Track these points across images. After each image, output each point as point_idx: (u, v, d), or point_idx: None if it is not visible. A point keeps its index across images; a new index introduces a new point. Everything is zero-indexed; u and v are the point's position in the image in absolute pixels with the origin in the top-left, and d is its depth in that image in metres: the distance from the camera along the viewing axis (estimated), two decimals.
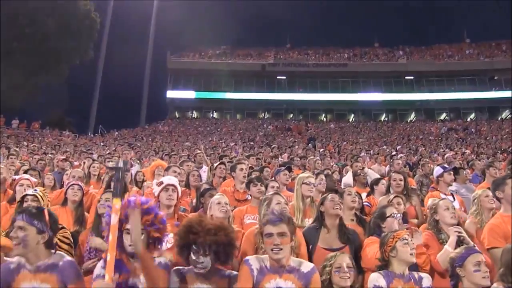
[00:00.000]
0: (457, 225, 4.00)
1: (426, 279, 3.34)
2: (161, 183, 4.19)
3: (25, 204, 4.16)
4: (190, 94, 47.32)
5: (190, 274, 3.00)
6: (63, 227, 3.97)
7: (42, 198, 4.32)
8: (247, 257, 3.13)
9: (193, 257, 2.89)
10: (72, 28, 36.17)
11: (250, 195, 5.27)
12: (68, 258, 3.06)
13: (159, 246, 3.03)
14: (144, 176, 7.99)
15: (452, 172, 6.20)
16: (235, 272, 3.09)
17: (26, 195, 4.32)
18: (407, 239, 3.32)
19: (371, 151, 18.57)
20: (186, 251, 2.94)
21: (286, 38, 56.66)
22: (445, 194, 5.80)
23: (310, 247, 3.91)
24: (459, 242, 3.81)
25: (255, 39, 76.08)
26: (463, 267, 3.17)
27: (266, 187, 5.32)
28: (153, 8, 49.38)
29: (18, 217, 2.91)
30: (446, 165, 6.58)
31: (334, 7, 75.01)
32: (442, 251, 3.77)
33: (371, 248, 3.76)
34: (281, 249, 2.92)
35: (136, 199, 2.89)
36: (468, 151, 17.95)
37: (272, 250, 2.93)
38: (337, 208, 4.06)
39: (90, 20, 38.53)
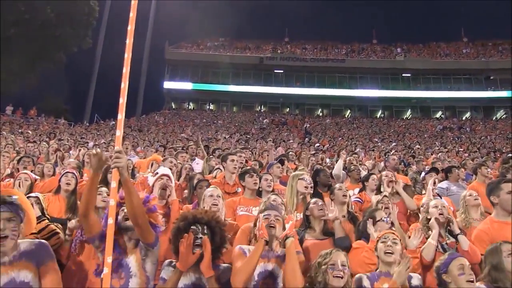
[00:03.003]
0: (447, 223, 4.03)
1: (416, 279, 3.31)
2: (156, 173, 4.32)
3: None
4: (187, 86, 47.19)
5: None
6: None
7: (42, 202, 4.32)
8: (240, 245, 3.32)
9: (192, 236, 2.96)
10: (70, 15, 35.85)
11: (244, 187, 5.22)
12: (38, 240, 3.01)
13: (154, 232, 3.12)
14: (133, 166, 7.96)
15: (433, 173, 6.36)
16: (226, 265, 3.14)
17: (29, 197, 4.19)
18: (385, 238, 3.37)
19: (366, 147, 18.60)
20: (181, 235, 2.97)
21: (284, 32, 56.67)
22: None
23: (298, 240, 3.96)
24: (449, 232, 3.91)
25: (253, 32, 75.91)
26: (448, 272, 3.15)
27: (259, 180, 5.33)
28: None
29: (3, 209, 2.78)
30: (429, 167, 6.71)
31: (334, 2, 74.78)
32: (425, 244, 3.82)
33: (355, 255, 3.78)
34: (275, 228, 3.25)
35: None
36: (462, 150, 18.02)
37: (269, 226, 3.23)
38: (321, 210, 4.18)
39: (88, 8, 38.18)
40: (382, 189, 5.77)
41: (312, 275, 3.14)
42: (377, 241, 3.41)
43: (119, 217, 3.02)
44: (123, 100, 2.86)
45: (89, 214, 2.96)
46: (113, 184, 2.72)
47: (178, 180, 6.58)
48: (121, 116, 2.83)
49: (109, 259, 2.60)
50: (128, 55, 3.01)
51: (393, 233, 3.45)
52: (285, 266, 3.09)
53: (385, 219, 3.99)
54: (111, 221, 2.66)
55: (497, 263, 3.25)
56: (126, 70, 2.94)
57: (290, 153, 10.25)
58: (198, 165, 8.62)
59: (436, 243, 3.77)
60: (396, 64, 47.51)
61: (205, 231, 2.99)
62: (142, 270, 2.98)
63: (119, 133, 2.84)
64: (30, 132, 18.44)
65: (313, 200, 4.36)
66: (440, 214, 4.03)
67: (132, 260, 2.99)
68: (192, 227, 2.98)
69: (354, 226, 4.45)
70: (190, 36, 52.59)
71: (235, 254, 3.20)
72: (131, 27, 3.15)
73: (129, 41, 3.09)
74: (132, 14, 3.20)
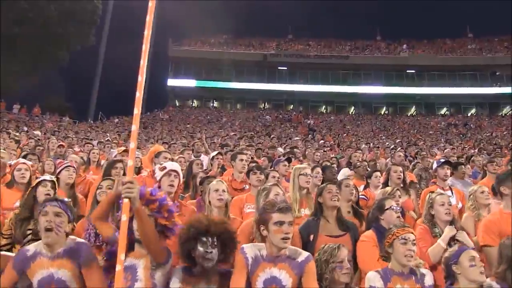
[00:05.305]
0: (452, 221, 3.93)
1: (429, 277, 3.22)
2: (164, 168, 4.19)
3: (43, 189, 4.12)
4: (190, 83, 47.10)
5: (191, 274, 2.99)
6: None
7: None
8: (243, 245, 3.09)
9: (201, 249, 2.86)
10: (74, 13, 35.80)
11: (250, 184, 5.27)
12: (81, 240, 3.16)
13: (170, 234, 3.08)
14: (141, 163, 7.86)
15: (446, 167, 6.15)
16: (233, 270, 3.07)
17: (44, 180, 4.25)
18: (406, 239, 3.17)
19: (371, 144, 18.53)
20: (189, 247, 2.93)
21: (288, 29, 56.48)
22: (442, 188, 5.78)
23: (312, 236, 3.87)
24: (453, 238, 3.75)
25: (257, 29, 74.94)
26: (459, 263, 3.09)
27: (266, 177, 5.32)
28: None
29: (53, 203, 3.03)
30: (442, 160, 6.56)
31: None
32: (434, 244, 3.70)
33: (364, 250, 3.69)
34: (289, 238, 2.93)
35: (145, 189, 3.01)
36: (468, 146, 17.92)
37: (283, 239, 2.90)
38: (335, 200, 4.03)
39: (92, 5, 38.13)
40: (390, 184, 5.73)
41: (319, 271, 3.10)
42: (393, 238, 3.24)
43: (134, 226, 2.94)
44: (139, 94, 2.76)
45: (102, 219, 3.05)
46: (124, 218, 2.62)
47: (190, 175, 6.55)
48: (137, 110, 2.73)
49: (122, 256, 2.54)
50: (143, 62, 2.83)
51: (413, 233, 3.29)
52: None
53: (394, 208, 3.89)
54: (124, 218, 2.59)
55: None
56: (142, 78, 2.81)
57: (296, 151, 10.21)
58: (203, 161, 8.61)
59: (446, 246, 3.61)
60: (400, 60, 47.22)
61: (215, 243, 2.91)
62: (149, 277, 2.91)
63: (135, 127, 2.73)
64: (39, 133, 18.23)
65: (328, 186, 4.12)
66: (446, 214, 3.93)
67: (140, 265, 2.94)
68: (202, 238, 2.89)
69: (360, 222, 4.42)
70: (193, 33, 52.47)
71: (236, 259, 3.03)
72: (147, 32, 2.85)
73: (145, 47, 2.84)
74: (149, 18, 2.87)
